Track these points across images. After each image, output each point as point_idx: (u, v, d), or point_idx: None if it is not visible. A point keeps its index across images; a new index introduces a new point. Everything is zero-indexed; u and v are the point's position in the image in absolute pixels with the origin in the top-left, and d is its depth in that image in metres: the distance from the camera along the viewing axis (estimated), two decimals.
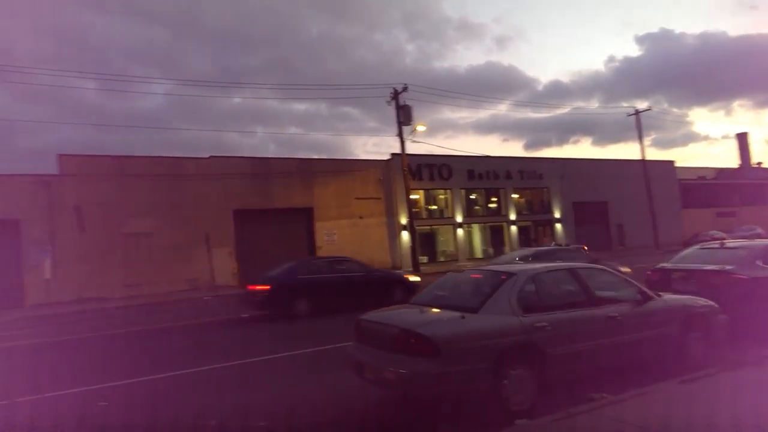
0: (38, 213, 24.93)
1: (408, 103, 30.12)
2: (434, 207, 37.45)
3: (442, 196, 37.56)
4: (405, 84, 30.04)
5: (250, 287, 14.30)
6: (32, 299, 24.04)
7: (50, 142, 69.10)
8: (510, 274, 5.86)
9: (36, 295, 24.12)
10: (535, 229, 40.81)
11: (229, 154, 30.49)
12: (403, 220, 33.49)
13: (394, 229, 34.13)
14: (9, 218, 24.30)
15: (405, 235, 33.58)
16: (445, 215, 37.15)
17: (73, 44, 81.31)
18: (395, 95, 30.23)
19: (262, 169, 30.58)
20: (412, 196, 31.26)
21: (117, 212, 26.31)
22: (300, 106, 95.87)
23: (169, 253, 27.03)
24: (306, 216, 31.70)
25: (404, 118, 30.05)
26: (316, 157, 35.02)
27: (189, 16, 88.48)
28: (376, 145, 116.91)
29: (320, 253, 30.21)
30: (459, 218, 36.99)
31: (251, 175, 30.02)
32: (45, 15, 78.64)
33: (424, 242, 34.98)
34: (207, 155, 29.63)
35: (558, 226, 41.08)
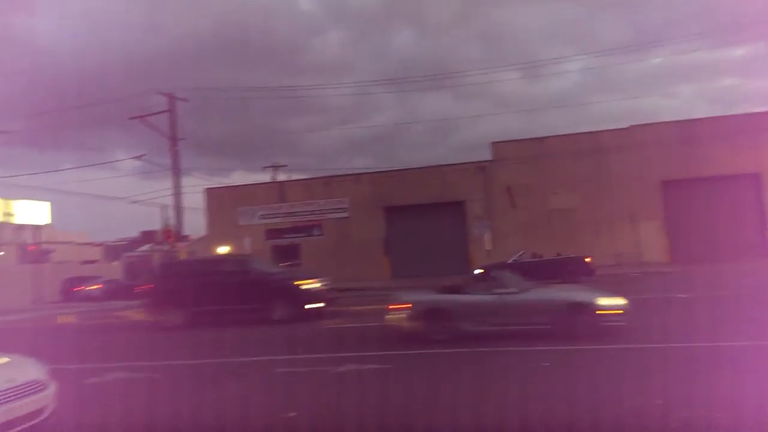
0: (478, 194, 29.16)
1: None
2: None
3: None
4: None
5: None
6: (475, 267, 28.29)
7: (484, 132, 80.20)
8: None
9: (479, 264, 28.29)
10: None
11: (649, 121, 28.19)
12: None
13: None
14: (456, 200, 29.39)
15: None
16: None
17: (496, 41, 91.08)
18: None
19: (691, 132, 26.96)
20: None
21: (542, 190, 28.30)
22: (737, 51, 79.21)
23: (594, 227, 27.23)
24: (753, 183, 26.22)
25: None
26: (764, 109, 28.59)
27: None
28: None
29: None
30: None
31: (677, 141, 26.91)
32: (480, 21, 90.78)
33: None
34: (625, 125, 28.22)
35: None
